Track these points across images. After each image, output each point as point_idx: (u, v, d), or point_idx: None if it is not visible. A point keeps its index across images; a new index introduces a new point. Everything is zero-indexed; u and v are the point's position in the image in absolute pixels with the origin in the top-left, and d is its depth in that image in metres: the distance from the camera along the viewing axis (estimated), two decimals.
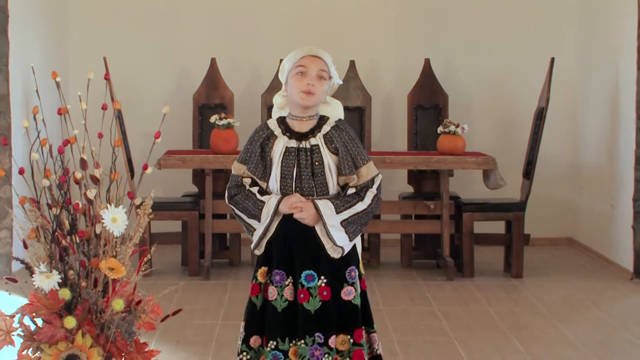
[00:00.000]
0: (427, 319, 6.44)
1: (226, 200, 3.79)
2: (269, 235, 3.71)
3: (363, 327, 3.76)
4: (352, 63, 8.63)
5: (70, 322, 3.44)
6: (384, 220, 8.06)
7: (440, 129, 7.82)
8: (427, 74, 8.73)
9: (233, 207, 3.76)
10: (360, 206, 3.69)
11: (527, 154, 8.00)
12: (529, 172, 7.90)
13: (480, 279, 7.65)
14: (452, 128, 7.72)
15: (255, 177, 3.73)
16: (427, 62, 8.74)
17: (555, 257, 8.65)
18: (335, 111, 3.84)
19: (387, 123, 9.10)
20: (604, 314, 6.64)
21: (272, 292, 3.68)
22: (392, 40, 9.14)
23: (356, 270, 3.75)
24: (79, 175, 3.59)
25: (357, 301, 3.73)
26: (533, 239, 8.49)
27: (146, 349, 3.66)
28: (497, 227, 8.10)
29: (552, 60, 7.98)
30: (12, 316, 3.53)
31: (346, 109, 8.52)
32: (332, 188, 3.71)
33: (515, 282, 7.59)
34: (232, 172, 3.79)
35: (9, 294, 3.98)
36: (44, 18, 8.44)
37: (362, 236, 8.13)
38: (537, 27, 9.11)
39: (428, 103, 8.70)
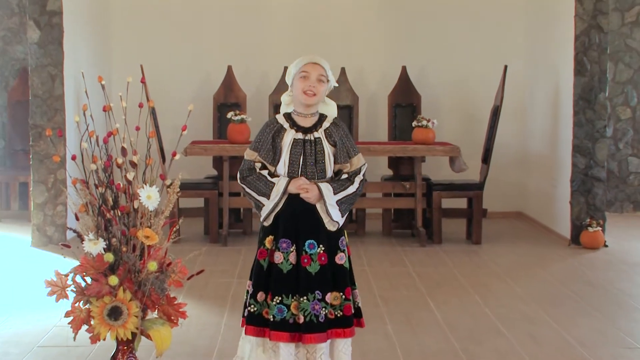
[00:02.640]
0: (403, 278, 6.45)
1: (238, 180, 3.74)
2: (277, 210, 3.68)
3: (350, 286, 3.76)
4: (343, 69, 8.62)
5: (113, 280, 3.45)
6: (368, 197, 8.07)
7: (414, 123, 7.82)
8: (404, 78, 8.72)
9: (244, 187, 3.72)
10: (351, 189, 3.70)
11: (485, 144, 8.00)
12: (486, 158, 7.90)
13: (446, 245, 7.66)
14: (424, 122, 7.72)
15: (265, 162, 3.71)
16: (404, 69, 8.73)
17: (507, 227, 8.67)
18: (331, 109, 3.85)
19: (372, 118, 9.09)
20: (547, 273, 6.66)
21: (279, 257, 3.66)
22: (375, 51, 9.13)
23: (345, 240, 3.76)
24: (120, 160, 3.60)
25: (347, 265, 3.73)
26: (490, 212, 8.50)
27: (175, 302, 3.67)
28: (461, 203, 8.11)
29: (505, 67, 7.97)
30: (67, 275, 3.54)
31: (337, 107, 8.50)
32: (329, 173, 3.72)
33: (475, 248, 7.60)
34: (245, 157, 3.75)
35: (64, 257, 3.98)
36: (91, 33, 8.41)
37: (349, 211, 8.14)
38: (492, 40, 9.10)
39: (405, 102, 8.69)
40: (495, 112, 7.89)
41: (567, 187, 7.70)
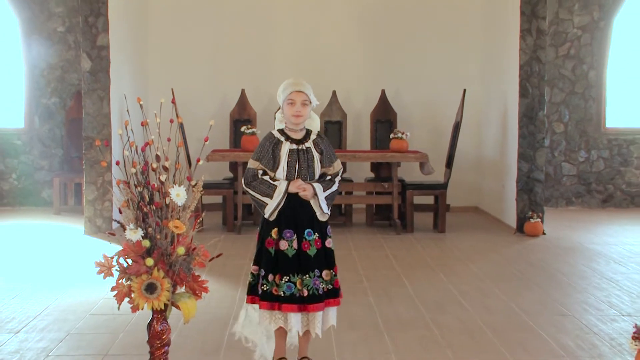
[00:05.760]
0: (382, 260, 6.45)
1: (243, 185, 3.75)
2: (280, 206, 3.68)
3: None
4: (334, 92, 8.62)
5: (149, 262, 3.44)
6: (355, 195, 8.06)
7: (391, 135, 7.82)
8: (383, 99, 8.72)
9: (249, 190, 3.71)
10: (334, 187, 3.74)
11: (448, 151, 8.01)
12: (449, 164, 7.91)
13: (417, 234, 7.66)
14: (400, 135, 7.72)
15: (267, 169, 3.71)
16: (383, 91, 8.73)
17: (466, 219, 8.67)
18: (315, 122, 3.85)
19: (357, 131, 9.09)
20: (498, 256, 6.66)
21: (284, 244, 3.66)
22: (360, 77, 9.12)
23: (329, 228, 3.77)
24: (154, 165, 3.59)
25: (333, 247, 3.75)
26: (452, 207, 8.51)
27: (199, 279, 3.66)
28: (429, 199, 8.11)
29: (464, 90, 7.99)
30: (112, 257, 3.53)
31: (330, 122, 8.55)
32: (316, 175, 3.74)
33: (440, 236, 7.60)
34: (249, 166, 3.75)
35: (110, 243, 3.97)
36: (132, 63, 8.39)
37: (339, 206, 8.15)
38: (454, 69, 9.10)
39: (383, 118, 8.69)
40: (457, 127, 7.90)
41: (514, 186, 7.71)
